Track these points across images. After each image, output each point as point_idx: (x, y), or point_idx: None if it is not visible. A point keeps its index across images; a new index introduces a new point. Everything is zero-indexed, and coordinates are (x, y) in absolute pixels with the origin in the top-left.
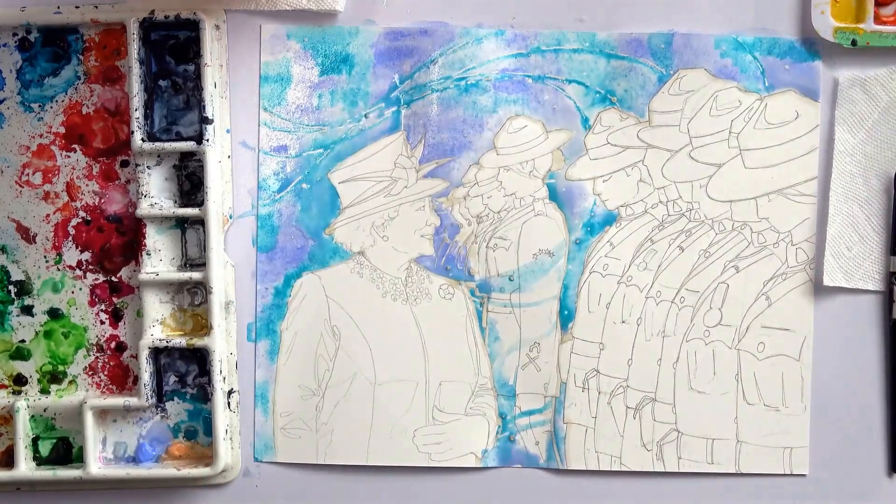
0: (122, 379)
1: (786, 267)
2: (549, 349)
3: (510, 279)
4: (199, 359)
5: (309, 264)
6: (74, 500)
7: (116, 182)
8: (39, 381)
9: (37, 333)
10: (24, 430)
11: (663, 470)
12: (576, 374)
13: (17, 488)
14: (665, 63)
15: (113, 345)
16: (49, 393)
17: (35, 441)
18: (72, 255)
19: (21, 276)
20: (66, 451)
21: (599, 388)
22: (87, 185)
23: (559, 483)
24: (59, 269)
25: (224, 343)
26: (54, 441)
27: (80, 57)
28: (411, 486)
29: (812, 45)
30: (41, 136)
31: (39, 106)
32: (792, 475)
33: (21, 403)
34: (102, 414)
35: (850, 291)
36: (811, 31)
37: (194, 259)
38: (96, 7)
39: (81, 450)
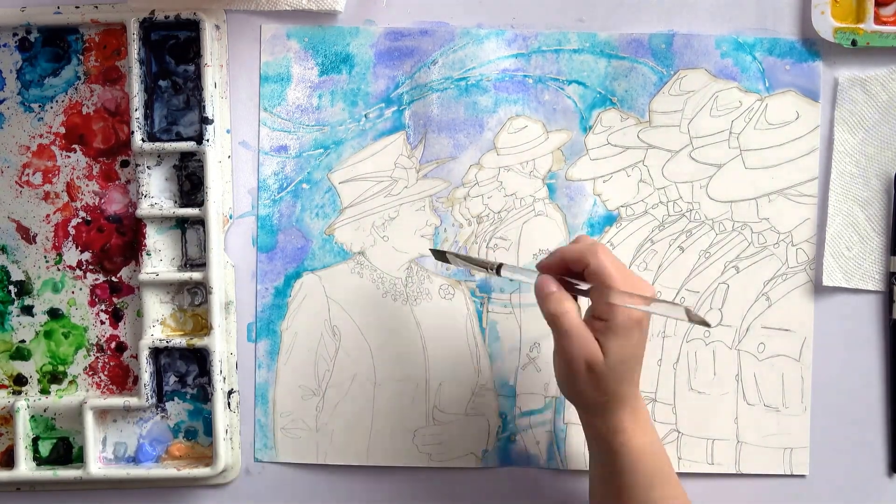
0: (123, 379)
1: (786, 267)
2: (550, 349)
3: (510, 279)
4: (200, 359)
5: (309, 264)
6: (74, 500)
7: (116, 182)
8: (40, 381)
9: (37, 333)
10: (24, 430)
11: None
12: None
13: (17, 488)
14: (665, 63)
15: (113, 345)
16: (49, 393)
17: (35, 441)
18: (72, 255)
19: (21, 277)
20: (67, 452)
21: None
22: (87, 186)
23: (559, 483)
24: (59, 270)
25: (224, 343)
26: (54, 441)
27: (81, 57)
28: (411, 486)
29: (812, 46)
30: (41, 136)
31: (39, 106)
32: (792, 476)
33: (21, 403)
34: (102, 414)
35: (850, 291)
36: (811, 31)
37: (194, 259)
38: (96, 7)
39: (81, 450)
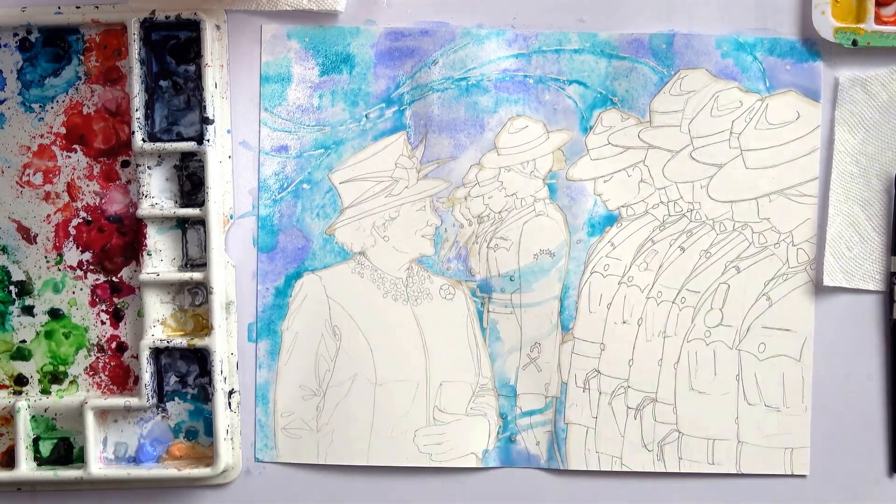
0: (123, 379)
1: (786, 267)
2: (550, 349)
3: (511, 279)
4: (200, 359)
5: (310, 264)
6: (75, 500)
7: (117, 182)
8: (40, 381)
9: (38, 334)
10: (24, 430)
11: (664, 470)
12: (577, 375)
13: (17, 488)
14: (666, 63)
15: (114, 345)
16: (50, 393)
17: (36, 441)
18: (72, 255)
19: (22, 277)
20: (67, 452)
21: (600, 389)
22: (87, 186)
23: (560, 483)
24: (59, 270)
25: (225, 343)
26: (55, 441)
27: (81, 57)
28: (412, 486)
29: (813, 46)
30: (42, 136)
31: (40, 106)
32: (793, 476)
33: (22, 404)
34: (103, 414)
35: (851, 291)
36: (812, 31)
37: (195, 259)
38: (97, 7)
39: (82, 450)
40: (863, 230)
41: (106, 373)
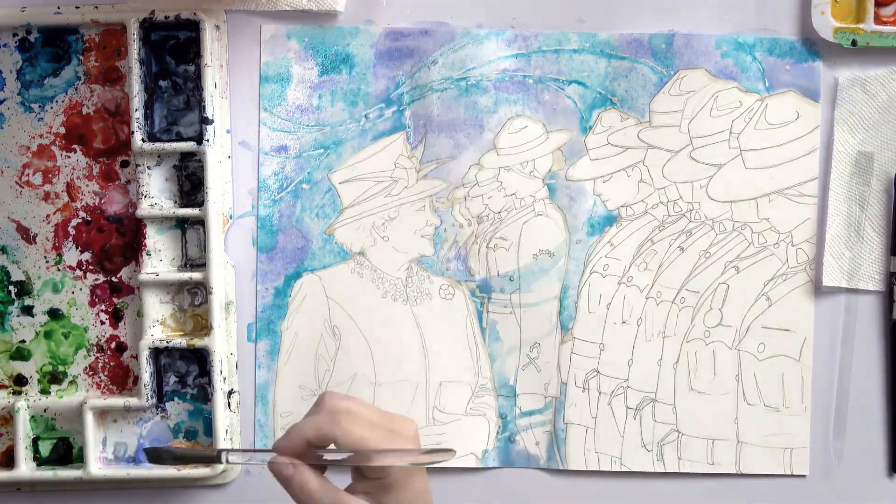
0: (123, 379)
1: (786, 267)
2: (550, 349)
3: (510, 279)
4: (200, 359)
5: (309, 264)
6: (75, 500)
7: (117, 182)
8: (40, 381)
9: (37, 334)
10: (24, 430)
11: (664, 470)
12: (576, 375)
13: (17, 488)
14: (665, 63)
15: (113, 345)
16: (49, 393)
17: (35, 441)
18: (72, 255)
19: (21, 277)
20: (67, 452)
21: (600, 389)
22: (87, 186)
23: (559, 483)
24: (59, 270)
25: (224, 343)
26: (54, 441)
27: (81, 57)
28: None
29: (812, 46)
30: (41, 136)
31: (40, 106)
32: (792, 476)
33: (21, 404)
34: (103, 414)
35: (850, 291)
36: (811, 31)
37: (194, 259)
38: (96, 7)
39: (82, 450)
40: (862, 230)
41: (105, 373)
